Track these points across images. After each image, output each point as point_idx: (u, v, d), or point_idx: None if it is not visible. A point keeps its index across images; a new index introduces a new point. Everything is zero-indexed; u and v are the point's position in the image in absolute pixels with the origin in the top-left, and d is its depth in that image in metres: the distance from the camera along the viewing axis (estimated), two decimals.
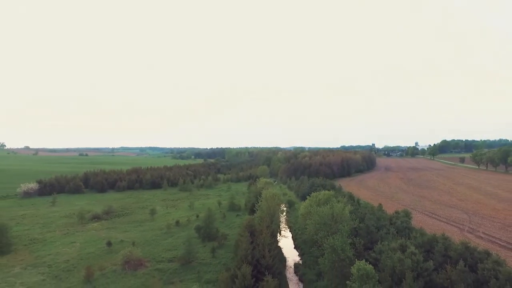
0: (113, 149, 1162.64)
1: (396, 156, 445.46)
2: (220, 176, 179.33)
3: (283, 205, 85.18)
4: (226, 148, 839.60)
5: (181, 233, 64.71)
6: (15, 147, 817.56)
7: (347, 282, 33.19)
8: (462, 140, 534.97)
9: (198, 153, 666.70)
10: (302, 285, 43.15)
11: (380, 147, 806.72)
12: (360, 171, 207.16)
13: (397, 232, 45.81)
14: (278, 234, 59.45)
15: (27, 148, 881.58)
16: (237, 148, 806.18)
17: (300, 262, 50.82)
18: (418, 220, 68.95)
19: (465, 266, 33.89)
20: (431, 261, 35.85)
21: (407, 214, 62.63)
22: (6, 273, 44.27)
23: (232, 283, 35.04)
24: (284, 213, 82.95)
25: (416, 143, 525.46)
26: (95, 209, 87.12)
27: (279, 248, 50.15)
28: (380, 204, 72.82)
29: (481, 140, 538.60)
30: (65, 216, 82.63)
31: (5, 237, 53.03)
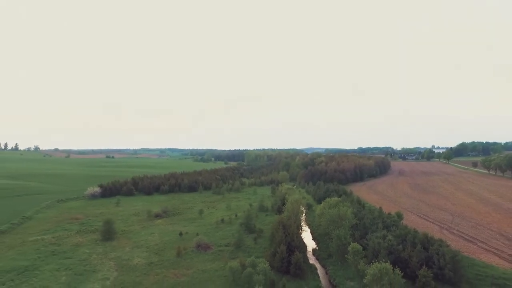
0: (134, 150, 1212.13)
1: (412, 159, 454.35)
2: (245, 180, 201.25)
3: (302, 207, 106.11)
4: (244, 150, 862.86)
5: (227, 228, 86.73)
6: (45, 149, 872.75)
7: (346, 256, 54.21)
8: (482, 142, 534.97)
9: (218, 156, 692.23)
10: (317, 261, 64.05)
11: (398, 149, 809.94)
12: (373, 175, 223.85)
13: (384, 227, 65.98)
14: (300, 229, 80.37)
15: (56, 150, 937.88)
16: (255, 150, 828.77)
17: (316, 248, 71.76)
18: (410, 220, 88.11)
19: (422, 248, 54.13)
20: (401, 245, 56.13)
21: (399, 215, 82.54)
22: (122, 251, 67.48)
23: (274, 256, 56.53)
24: (304, 214, 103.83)
25: (433, 146, 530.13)
26: (153, 209, 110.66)
27: (301, 238, 70.95)
28: (381, 207, 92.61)
29: (502, 143, 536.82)
30: (133, 214, 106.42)
31: (112, 228, 76.77)
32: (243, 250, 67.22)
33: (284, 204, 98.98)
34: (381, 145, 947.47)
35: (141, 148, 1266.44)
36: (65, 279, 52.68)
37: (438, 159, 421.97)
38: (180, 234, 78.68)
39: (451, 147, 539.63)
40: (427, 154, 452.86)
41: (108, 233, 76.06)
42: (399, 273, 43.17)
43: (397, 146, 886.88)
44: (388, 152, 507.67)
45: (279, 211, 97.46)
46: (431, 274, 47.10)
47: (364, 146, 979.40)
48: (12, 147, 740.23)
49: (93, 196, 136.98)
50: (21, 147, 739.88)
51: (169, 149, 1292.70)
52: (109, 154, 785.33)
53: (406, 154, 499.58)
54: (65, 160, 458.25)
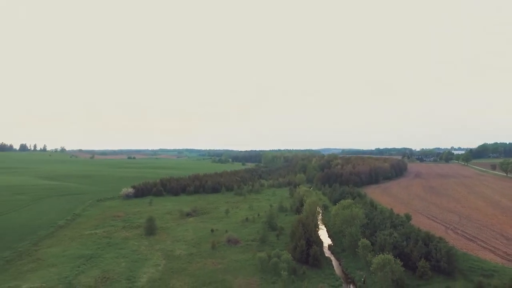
0: (153, 151, 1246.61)
1: (430, 161, 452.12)
2: (264, 182, 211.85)
3: (319, 208, 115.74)
4: (260, 151, 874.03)
5: (251, 226, 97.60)
6: (70, 149, 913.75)
7: (356, 250, 63.92)
8: (505, 143, 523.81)
9: (235, 157, 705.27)
10: (332, 255, 73.89)
11: (417, 149, 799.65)
12: (388, 178, 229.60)
13: (391, 226, 75.01)
14: (317, 227, 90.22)
15: (80, 151, 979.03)
16: (271, 151, 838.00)
17: (332, 244, 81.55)
18: (418, 221, 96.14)
19: (423, 244, 63.17)
20: (405, 241, 65.26)
21: (408, 216, 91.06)
22: (164, 243, 79.50)
23: (295, 249, 66.82)
24: (320, 214, 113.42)
25: (452, 147, 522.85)
26: (183, 208, 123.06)
27: (318, 235, 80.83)
28: (391, 208, 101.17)
29: None
30: (166, 213, 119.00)
31: (154, 224, 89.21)
32: (268, 245, 77.81)
33: (302, 205, 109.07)
34: (399, 145, 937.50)
35: (159, 149, 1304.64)
36: (124, 264, 64.89)
37: (457, 161, 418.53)
38: (212, 230, 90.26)
39: (470, 149, 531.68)
40: (446, 156, 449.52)
41: (150, 229, 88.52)
42: (399, 262, 52.67)
43: (416, 146, 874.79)
44: (406, 154, 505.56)
45: (298, 211, 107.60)
46: (428, 266, 56.27)
47: (381, 147, 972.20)
48: (40, 148, 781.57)
49: (127, 196, 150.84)
50: (46, 148, 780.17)
51: (186, 150, 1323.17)
52: (129, 155, 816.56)
53: (424, 156, 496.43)
54: (91, 161, 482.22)
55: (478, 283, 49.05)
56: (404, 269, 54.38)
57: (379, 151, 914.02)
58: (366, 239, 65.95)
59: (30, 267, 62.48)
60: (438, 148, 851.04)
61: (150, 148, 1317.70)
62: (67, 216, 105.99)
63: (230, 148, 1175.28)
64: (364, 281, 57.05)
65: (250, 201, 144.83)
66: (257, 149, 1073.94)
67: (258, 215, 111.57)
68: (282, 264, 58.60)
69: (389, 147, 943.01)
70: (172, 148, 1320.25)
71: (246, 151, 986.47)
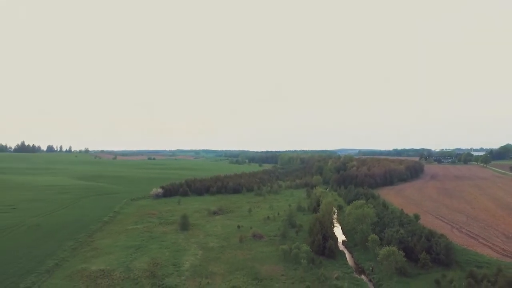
0: (171, 151, 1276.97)
1: (447, 162, 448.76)
2: (282, 183, 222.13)
3: (334, 208, 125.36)
4: (276, 152, 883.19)
5: (273, 223, 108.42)
6: (93, 150, 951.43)
7: (366, 243, 73.76)
8: None
9: (252, 158, 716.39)
10: (346, 249, 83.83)
11: (437, 150, 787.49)
12: (403, 180, 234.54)
13: (399, 225, 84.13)
14: (332, 225, 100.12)
15: (102, 151, 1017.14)
16: (288, 152, 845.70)
17: (345, 239, 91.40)
18: (427, 220, 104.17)
19: (425, 239, 72.30)
20: (410, 237, 74.49)
21: (416, 216, 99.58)
22: (198, 237, 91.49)
23: (313, 243, 77.22)
24: (336, 213, 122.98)
25: (472, 149, 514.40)
26: (210, 207, 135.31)
27: (333, 232, 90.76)
28: (402, 209, 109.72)
29: None
30: (194, 211, 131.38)
31: (187, 221, 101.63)
32: (288, 239, 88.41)
33: (318, 205, 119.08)
34: (417, 146, 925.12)
35: (177, 149, 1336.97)
36: (168, 253, 77.11)
37: (476, 163, 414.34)
38: (238, 226, 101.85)
39: (491, 149, 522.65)
40: (464, 157, 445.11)
41: (184, 225, 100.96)
42: (402, 254, 62.28)
43: (436, 147, 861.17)
44: (423, 155, 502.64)
45: (315, 211, 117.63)
46: (429, 258, 65.54)
47: (399, 148, 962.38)
48: (66, 149, 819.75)
49: (157, 196, 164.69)
50: (71, 149, 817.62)
51: (203, 150, 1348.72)
52: (149, 156, 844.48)
53: (442, 157, 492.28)
54: (115, 162, 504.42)
55: (470, 272, 58.01)
56: (407, 260, 64.05)
57: (396, 152, 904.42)
58: (376, 235, 75.64)
59: (92, 254, 75.66)
60: (459, 149, 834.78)
61: (167, 149, 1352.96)
62: (109, 213, 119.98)
63: (245, 149, 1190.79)
64: (372, 269, 66.92)
65: (270, 201, 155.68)
66: (272, 150, 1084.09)
67: (278, 214, 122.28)
68: (302, 254, 69.21)
69: (407, 147, 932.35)
70: (189, 148, 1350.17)
71: (262, 151, 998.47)
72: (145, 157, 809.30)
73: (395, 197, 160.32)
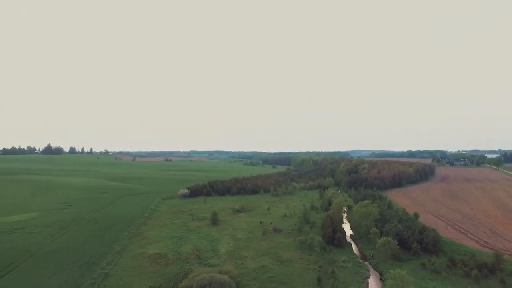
0: (185, 153, 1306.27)
1: (460, 165, 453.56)
2: (296, 185, 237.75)
3: (344, 207, 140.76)
4: (290, 153, 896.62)
5: (289, 220, 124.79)
6: (111, 151, 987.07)
7: (369, 236, 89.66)
8: None
9: (265, 159, 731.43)
10: (352, 241, 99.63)
11: (453, 151, 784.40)
12: (412, 182, 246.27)
13: (399, 221, 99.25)
14: (342, 222, 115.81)
15: (120, 153, 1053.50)
16: (301, 153, 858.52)
17: (352, 233, 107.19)
18: (426, 219, 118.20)
19: (418, 233, 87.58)
20: (406, 231, 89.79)
21: (416, 215, 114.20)
22: (227, 231, 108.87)
23: (324, 235, 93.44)
24: (345, 212, 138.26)
25: (485, 151, 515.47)
26: (233, 206, 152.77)
27: (342, 227, 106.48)
28: (404, 208, 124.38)
29: None
30: (220, 209, 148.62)
31: (217, 217, 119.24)
32: (304, 233, 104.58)
33: (330, 204, 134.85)
34: (433, 147, 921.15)
35: (191, 151, 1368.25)
36: (206, 242, 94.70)
37: (489, 165, 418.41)
38: (260, 222, 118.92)
39: (505, 152, 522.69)
40: (477, 160, 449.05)
41: (214, 220, 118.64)
42: (396, 243, 77.86)
43: (452, 148, 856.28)
44: (435, 157, 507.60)
45: (326, 209, 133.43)
46: (419, 247, 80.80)
47: (413, 149, 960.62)
48: (87, 150, 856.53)
49: (184, 196, 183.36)
50: (92, 150, 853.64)
51: (216, 152, 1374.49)
52: (165, 157, 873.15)
53: (455, 159, 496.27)
54: (135, 163, 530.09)
55: (449, 257, 73.18)
56: (401, 248, 79.69)
57: (410, 154, 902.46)
58: (377, 229, 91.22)
59: (145, 242, 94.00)
60: (476, 151, 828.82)
61: (182, 150, 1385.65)
62: (147, 210, 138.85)
63: (258, 150, 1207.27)
64: (372, 255, 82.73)
65: (285, 201, 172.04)
66: (285, 151, 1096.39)
67: (294, 212, 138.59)
68: (315, 243, 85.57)
69: (422, 149, 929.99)
70: (202, 149, 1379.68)
71: (275, 153, 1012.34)
72: (162, 158, 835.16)
73: (402, 198, 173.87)
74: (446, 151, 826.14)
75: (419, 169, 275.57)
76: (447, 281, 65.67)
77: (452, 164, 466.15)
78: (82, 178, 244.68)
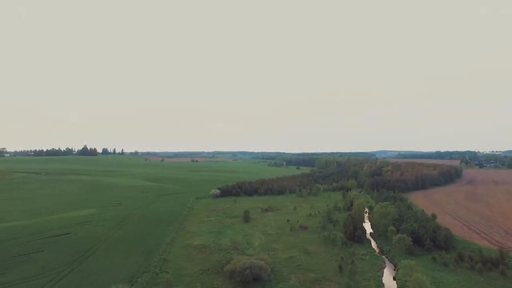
0: (210, 153, 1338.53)
1: (490, 167, 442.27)
2: (320, 186, 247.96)
3: (366, 208, 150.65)
4: (313, 154, 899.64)
5: (314, 219, 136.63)
6: (141, 151, 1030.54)
7: (387, 233, 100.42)
8: None
9: (289, 160, 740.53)
10: (372, 238, 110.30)
11: (485, 152, 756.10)
12: (436, 184, 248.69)
13: (415, 221, 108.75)
14: (363, 221, 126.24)
15: (148, 153, 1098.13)
16: (324, 153, 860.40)
17: (372, 231, 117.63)
18: (444, 220, 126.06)
19: (432, 231, 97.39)
20: (421, 229, 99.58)
21: (434, 215, 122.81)
22: (258, 227, 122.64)
23: (346, 232, 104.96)
24: (367, 213, 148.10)
25: None
26: (261, 206, 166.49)
27: (363, 225, 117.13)
28: (423, 209, 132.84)
29: None
30: (250, 208, 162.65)
31: (248, 215, 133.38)
32: (327, 230, 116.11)
33: (352, 205, 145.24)
34: (463, 148, 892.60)
35: (215, 151, 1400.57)
36: (241, 237, 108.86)
37: None
38: (287, 220, 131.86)
39: None
40: (509, 162, 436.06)
41: (246, 218, 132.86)
42: (410, 239, 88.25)
43: (485, 148, 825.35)
44: (464, 159, 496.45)
45: (348, 210, 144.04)
46: (432, 244, 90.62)
47: (442, 150, 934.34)
48: (118, 151, 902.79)
49: (215, 196, 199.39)
50: (123, 151, 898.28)
51: (240, 152, 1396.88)
52: (189, 157, 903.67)
53: (485, 161, 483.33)
54: (164, 164, 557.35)
55: (458, 253, 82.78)
56: (415, 244, 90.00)
57: (438, 155, 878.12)
58: (394, 227, 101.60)
59: (189, 235, 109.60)
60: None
61: (206, 151, 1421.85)
62: (185, 208, 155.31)
63: (280, 150, 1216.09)
64: (389, 250, 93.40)
65: (310, 202, 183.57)
66: (308, 152, 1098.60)
67: (318, 212, 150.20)
68: (338, 239, 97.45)
69: (451, 149, 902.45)
70: (226, 150, 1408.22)
71: (299, 153, 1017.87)
72: (188, 159, 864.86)
73: (423, 200, 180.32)
74: (477, 152, 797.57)
75: (443, 171, 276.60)
76: (453, 272, 75.58)
77: (481, 166, 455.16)
78: (123, 179, 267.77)
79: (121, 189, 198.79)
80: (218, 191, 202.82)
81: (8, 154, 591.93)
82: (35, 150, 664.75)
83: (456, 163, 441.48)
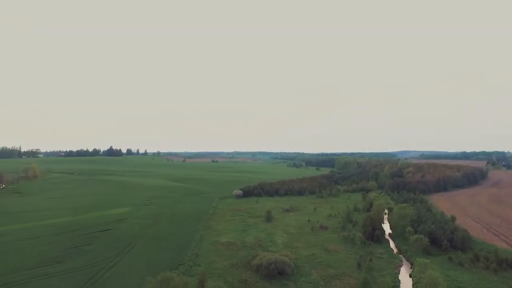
0: (229, 153, 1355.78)
1: None
2: (340, 187, 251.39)
3: (385, 209, 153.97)
4: (333, 154, 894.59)
5: (334, 219, 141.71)
6: (163, 152, 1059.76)
7: (404, 234, 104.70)
8: None
9: (308, 161, 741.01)
10: (390, 238, 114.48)
11: None
12: (459, 186, 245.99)
13: (433, 222, 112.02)
14: (382, 222, 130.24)
15: (170, 154, 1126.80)
16: (344, 154, 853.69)
17: (391, 232, 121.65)
18: (464, 221, 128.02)
19: (450, 232, 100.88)
20: (439, 230, 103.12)
21: (453, 217, 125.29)
22: (280, 227, 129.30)
23: (365, 232, 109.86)
24: (386, 214, 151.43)
25: None
26: (282, 206, 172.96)
27: (382, 226, 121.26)
28: (442, 211, 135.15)
29: None
30: (271, 209, 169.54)
31: (271, 215, 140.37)
32: (347, 230, 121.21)
33: (371, 206, 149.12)
34: (491, 148, 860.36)
35: (235, 151, 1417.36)
36: (264, 235, 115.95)
37: None
38: (308, 220, 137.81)
39: None
40: None
41: (268, 218, 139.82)
42: (426, 239, 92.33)
43: None
44: (491, 159, 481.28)
45: (368, 211, 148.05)
46: (449, 244, 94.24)
47: (469, 150, 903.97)
48: (141, 152, 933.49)
49: (238, 196, 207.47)
50: (146, 151, 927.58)
51: (259, 152, 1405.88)
52: (211, 158, 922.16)
53: None
54: (186, 165, 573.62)
55: (474, 253, 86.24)
56: (433, 245, 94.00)
57: (464, 155, 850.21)
58: (412, 228, 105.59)
59: (215, 233, 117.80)
60: None
61: (225, 151, 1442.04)
62: (210, 208, 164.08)
63: (299, 150, 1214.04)
64: (406, 250, 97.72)
65: (330, 203, 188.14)
66: (328, 152, 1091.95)
67: (338, 212, 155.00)
68: (357, 238, 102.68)
69: (478, 150, 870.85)
70: (245, 150, 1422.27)
71: (318, 154, 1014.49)
72: (208, 159, 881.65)
73: (444, 202, 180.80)
74: (507, 152, 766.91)
75: (467, 173, 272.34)
76: (468, 272, 79.38)
77: (510, 167, 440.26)
78: (149, 179, 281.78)
79: (148, 189, 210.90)
80: (240, 192, 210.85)
81: (42, 155, 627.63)
82: (66, 150, 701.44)
83: (482, 164, 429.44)
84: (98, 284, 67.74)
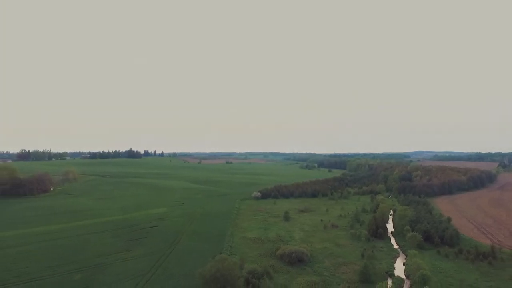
0: (242, 154, 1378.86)
1: None
2: (350, 190, 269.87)
3: (391, 211, 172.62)
4: (345, 155, 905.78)
5: (344, 219, 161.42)
6: (179, 152, 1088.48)
7: (403, 232, 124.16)
8: None
9: (320, 162, 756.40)
10: (391, 235, 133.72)
11: None
12: (464, 189, 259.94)
13: (429, 222, 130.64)
14: (387, 222, 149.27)
15: (185, 155, 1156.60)
16: (356, 155, 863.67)
17: (393, 230, 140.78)
18: (459, 222, 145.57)
19: (442, 231, 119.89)
20: (433, 229, 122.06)
21: (449, 218, 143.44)
22: (296, 225, 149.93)
23: (370, 230, 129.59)
24: (391, 215, 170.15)
25: None
26: (297, 207, 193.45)
27: (385, 225, 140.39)
28: (441, 213, 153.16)
29: None
30: (288, 209, 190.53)
31: (288, 215, 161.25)
32: (355, 228, 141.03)
33: (377, 208, 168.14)
34: (507, 149, 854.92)
35: (247, 152, 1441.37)
36: (283, 232, 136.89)
37: None
38: (321, 220, 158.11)
39: None
40: None
41: (286, 217, 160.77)
42: (420, 236, 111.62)
43: None
44: (503, 162, 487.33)
45: (374, 212, 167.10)
46: (440, 241, 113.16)
47: (484, 151, 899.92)
48: (158, 153, 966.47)
49: (257, 198, 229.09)
50: (163, 153, 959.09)
51: (271, 153, 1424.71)
52: (225, 159, 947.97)
53: None
54: (202, 166, 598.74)
55: (459, 248, 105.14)
56: (426, 241, 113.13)
57: (478, 156, 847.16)
58: (409, 227, 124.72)
59: (242, 230, 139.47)
60: None
61: (237, 151, 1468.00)
62: (234, 208, 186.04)
63: (311, 151, 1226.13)
64: (403, 244, 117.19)
65: (341, 204, 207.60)
66: (340, 153, 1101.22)
67: (348, 213, 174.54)
68: (362, 235, 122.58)
69: (493, 151, 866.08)
70: (257, 151, 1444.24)
71: (330, 155, 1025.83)
72: (222, 160, 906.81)
73: (446, 205, 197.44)
74: None
75: (473, 176, 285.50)
76: (451, 262, 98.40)
77: None
78: (174, 181, 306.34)
79: (176, 191, 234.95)
80: (259, 194, 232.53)
81: (68, 157, 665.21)
82: (89, 152, 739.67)
83: (495, 165, 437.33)
84: (163, 265, 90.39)
